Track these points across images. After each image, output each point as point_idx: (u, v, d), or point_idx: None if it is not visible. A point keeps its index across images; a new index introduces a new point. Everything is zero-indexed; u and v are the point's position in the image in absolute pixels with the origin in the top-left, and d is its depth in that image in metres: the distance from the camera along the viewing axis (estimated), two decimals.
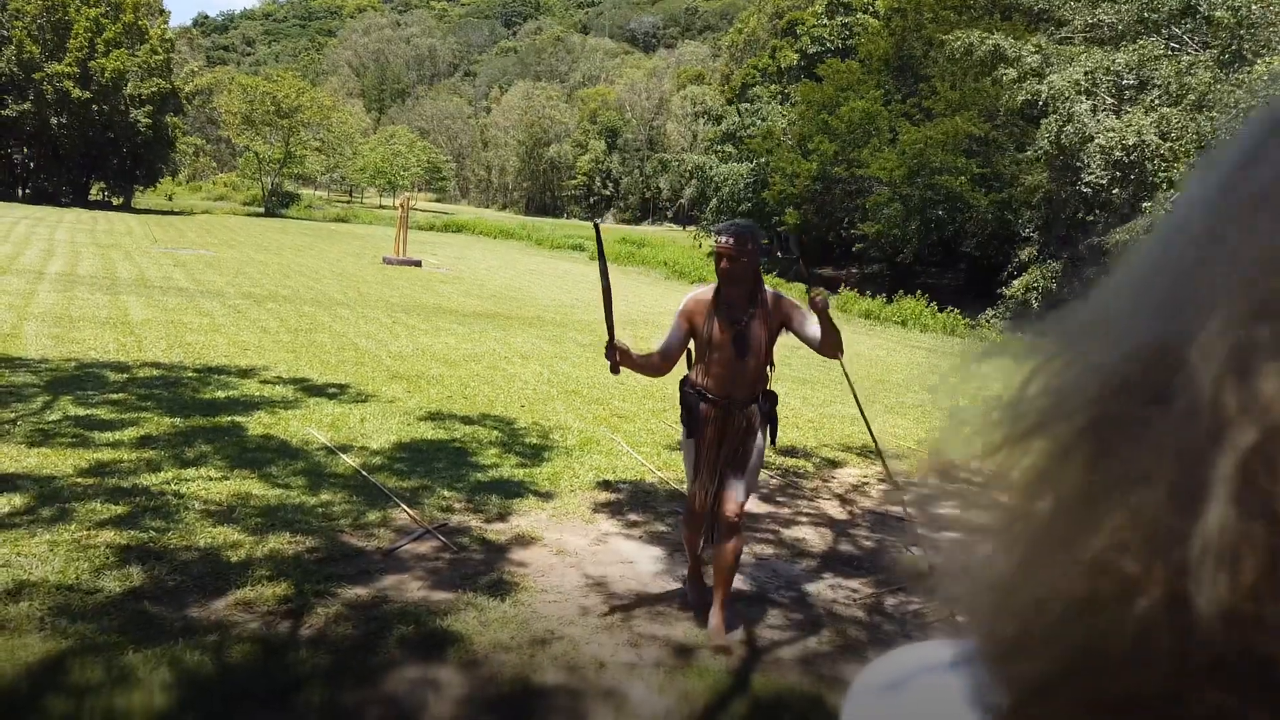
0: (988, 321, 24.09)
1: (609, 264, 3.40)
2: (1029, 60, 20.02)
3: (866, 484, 6.71)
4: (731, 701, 3.29)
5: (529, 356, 11.21)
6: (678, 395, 3.82)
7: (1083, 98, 19.83)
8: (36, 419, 6.14)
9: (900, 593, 4.44)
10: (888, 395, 11.21)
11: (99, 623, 3.40)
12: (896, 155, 28.12)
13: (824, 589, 4.50)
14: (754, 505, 5.84)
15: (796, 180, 32.94)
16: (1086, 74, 19.35)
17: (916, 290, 26.07)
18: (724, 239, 3.57)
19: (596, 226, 3.81)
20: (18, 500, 4.56)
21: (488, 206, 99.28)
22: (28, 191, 46.70)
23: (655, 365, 3.61)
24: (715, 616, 3.76)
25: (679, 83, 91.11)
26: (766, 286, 3.70)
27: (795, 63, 44.42)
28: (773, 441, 3.86)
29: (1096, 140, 19.22)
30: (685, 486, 3.90)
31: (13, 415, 6.16)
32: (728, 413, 3.67)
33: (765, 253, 41.69)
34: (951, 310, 24.34)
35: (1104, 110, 20.12)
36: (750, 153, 39.07)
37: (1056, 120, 19.85)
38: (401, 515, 4.94)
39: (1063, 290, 23.27)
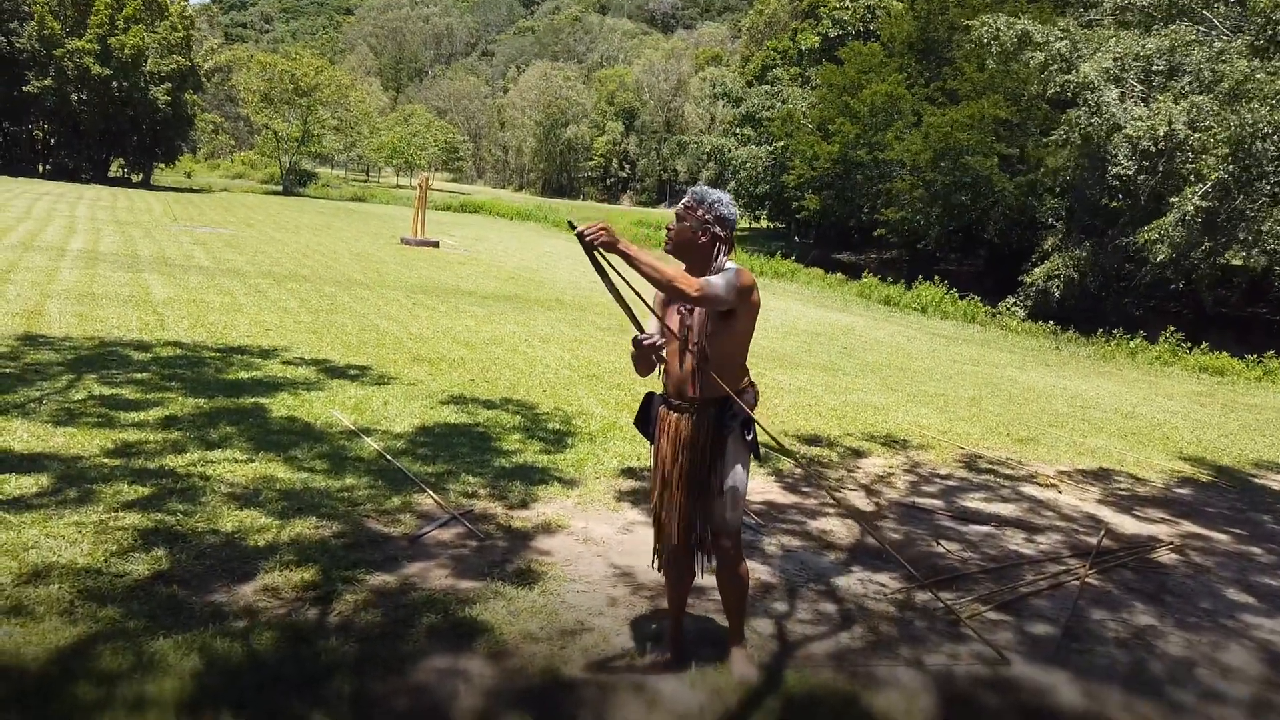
0: (1008, 309, 23.89)
1: (610, 264, 2.91)
2: (1057, 45, 19.69)
3: (892, 474, 6.63)
4: (764, 698, 3.24)
5: (549, 340, 11.16)
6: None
7: (1111, 85, 19.51)
8: (62, 397, 6.14)
9: (934, 589, 4.37)
10: (909, 383, 11.10)
11: (127, 607, 3.38)
12: (921, 138, 27.82)
13: (853, 583, 4.44)
14: (779, 495, 5.79)
15: (817, 164, 32.68)
16: (1115, 60, 19.03)
17: (935, 276, 25.87)
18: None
19: (572, 226, 3.07)
20: (44, 480, 4.55)
21: (504, 187, 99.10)
22: (48, 167, 46.94)
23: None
24: (736, 657, 3.36)
25: (697, 64, 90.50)
26: (730, 264, 3.16)
27: (816, 45, 44.00)
28: (756, 455, 3.33)
29: (1124, 130, 18.92)
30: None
31: (38, 394, 6.16)
32: (686, 418, 3.23)
33: (782, 237, 41.43)
34: (971, 297, 24.15)
35: (1132, 98, 19.80)
36: (769, 136, 38.78)
37: (1085, 112, 19.54)
38: (425, 500, 4.91)
39: (1085, 280, 23.02)
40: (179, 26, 47.42)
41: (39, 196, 28.18)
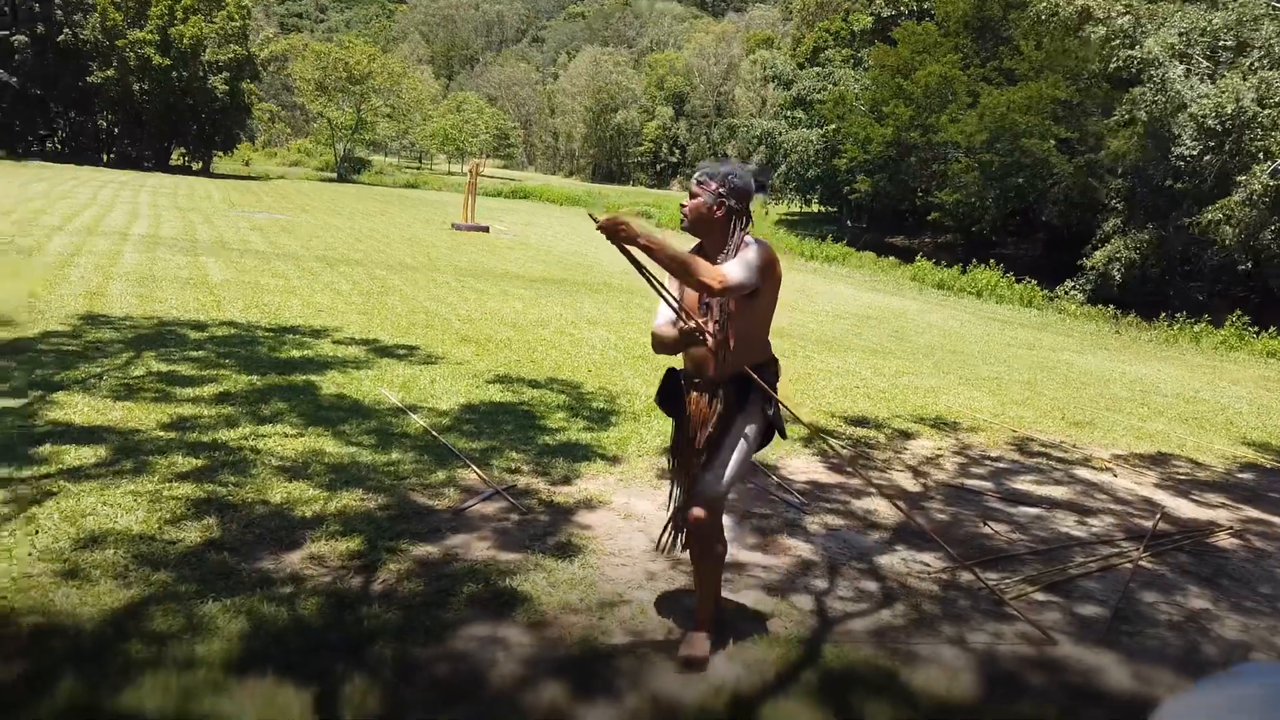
0: (1066, 293, 23.35)
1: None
2: (1119, 21, 19.11)
3: (940, 456, 6.53)
4: (802, 671, 3.22)
5: (596, 322, 11.19)
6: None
7: (1176, 62, 18.90)
8: (121, 374, 6.32)
9: (977, 568, 4.30)
10: (963, 367, 10.92)
11: (179, 572, 3.48)
12: (976, 120, 27.23)
13: (896, 562, 4.39)
14: (823, 475, 5.74)
15: (869, 146, 32.19)
16: (1181, 35, 18.41)
17: (991, 260, 25.36)
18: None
19: (595, 219, 2.98)
20: (103, 452, 4.69)
21: (554, 173, 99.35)
22: (112, 156, 48.19)
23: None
24: (690, 637, 3.24)
25: (748, 47, 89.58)
26: (751, 239, 3.07)
27: (869, 26, 43.29)
28: (781, 434, 3.26)
29: (1189, 108, 18.32)
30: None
31: (99, 370, 6.35)
32: (706, 396, 3.16)
33: (833, 220, 40.96)
34: (1029, 281, 23.64)
35: (1198, 75, 19.16)
36: (820, 118, 38.28)
37: (1149, 90, 18.94)
38: (468, 476, 4.96)
39: (1147, 263, 22.41)
40: (236, 16, 48.27)
41: (104, 184, 28.99)
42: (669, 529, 3.45)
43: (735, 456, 3.10)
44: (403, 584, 3.59)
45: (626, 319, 11.76)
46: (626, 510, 4.71)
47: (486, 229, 25.38)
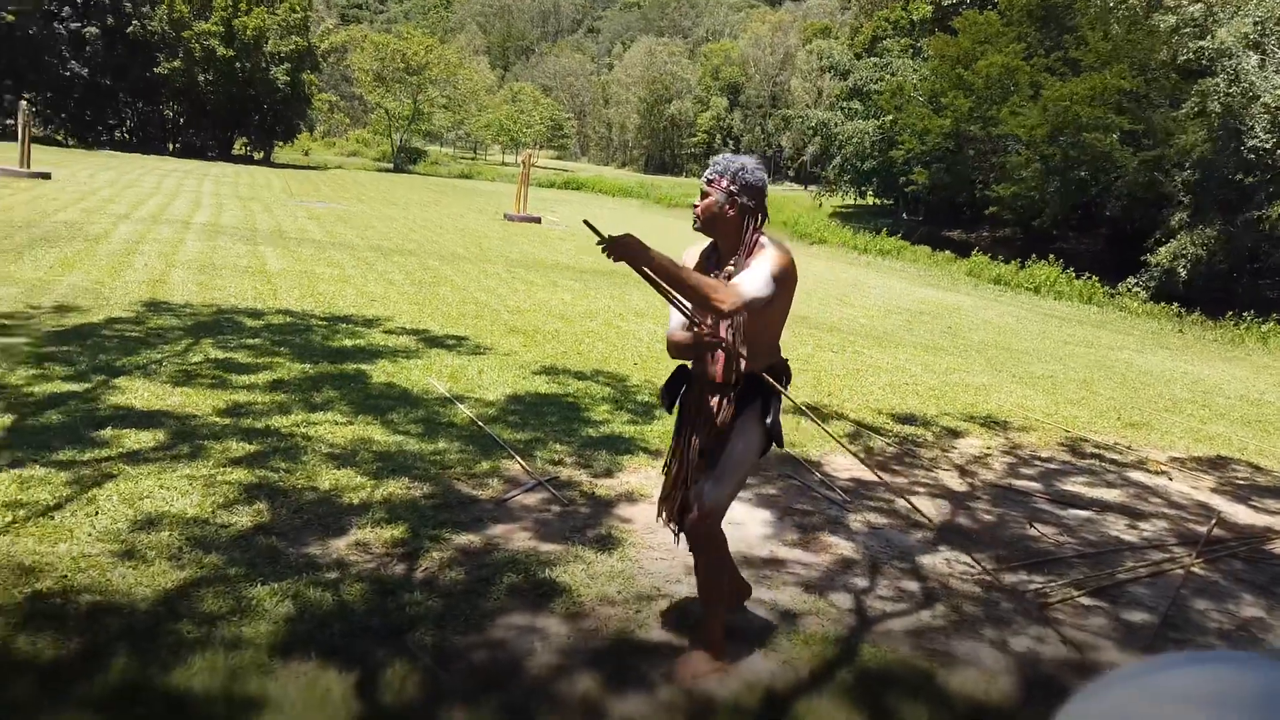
0: (1128, 290, 22.76)
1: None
2: (1190, 9, 18.51)
3: (989, 455, 6.44)
4: (838, 670, 3.21)
5: (643, 314, 11.21)
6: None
7: (1250, 52, 18.27)
8: (180, 360, 6.51)
9: (1022, 570, 4.24)
10: (1016, 365, 10.73)
11: (229, 555, 3.58)
12: (1038, 112, 26.60)
13: (939, 562, 4.34)
14: (868, 473, 5.70)
15: (927, 138, 31.67)
16: (1256, 24, 17.78)
17: (1050, 255, 24.79)
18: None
19: (591, 226, 2.99)
20: (161, 436, 4.84)
21: (607, 164, 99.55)
22: (177, 145, 49.47)
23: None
24: (688, 657, 3.12)
25: (805, 37, 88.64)
26: (766, 240, 2.97)
27: (929, 15, 42.53)
28: (778, 443, 3.12)
29: (1263, 99, 17.69)
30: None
31: (159, 356, 6.54)
32: (714, 399, 3.07)
33: (889, 213, 40.40)
34: (1090, 277, 23.07)
35: (1273, 64, 18.50)
36: (877, 109, 37.75)
37: (1222, 80, 18.33)
38: (511, 466, 5.02)
39: (1214, 260, 21.74)
40: (298, 8, 49.17)
41: (168, 173, 29.77)
42: (661, 515, 3.31)
43: (739, 465, 3.01)
44: (444, 572, 3.65)
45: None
46: None
47: (538, 220, 25.54)
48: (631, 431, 5.96)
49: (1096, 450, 6.97)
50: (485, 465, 4.98)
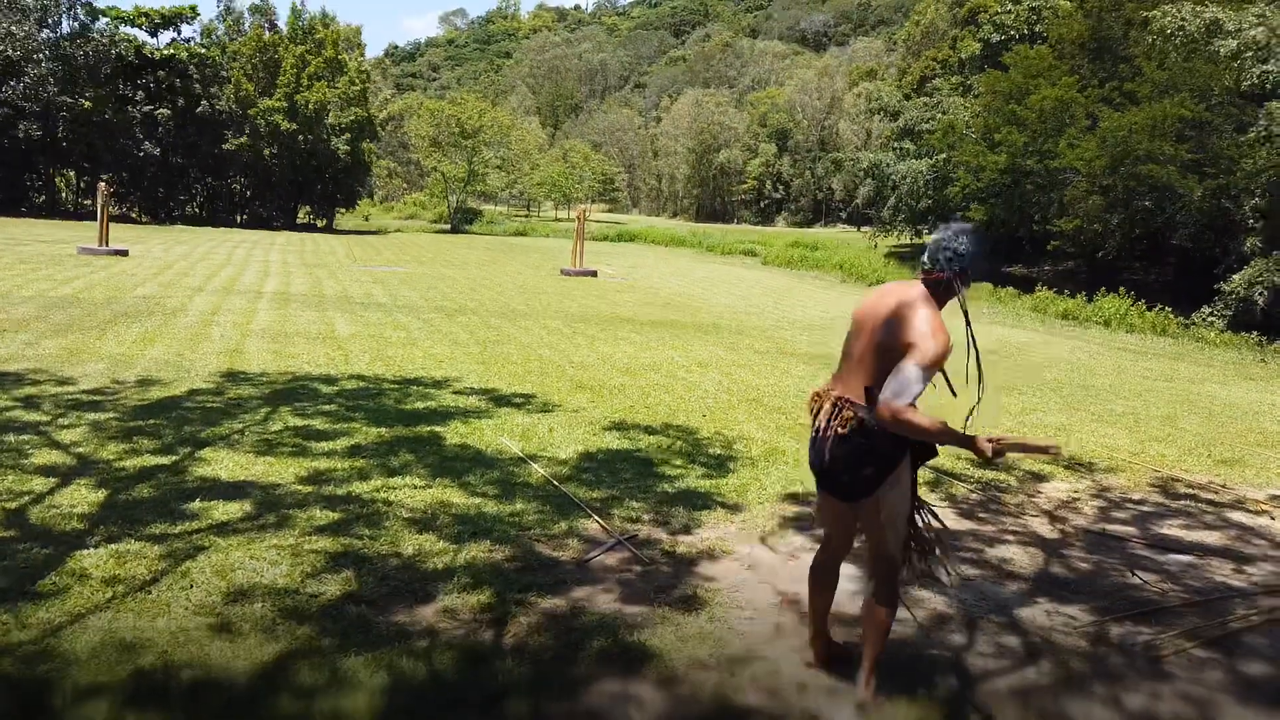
0: (1204, 320, 22.08)
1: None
2: (1251, 33, 18.17)
3: (1078, 500, 6.22)
4: None
5: (707, 365, 11.18)
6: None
7: None
8: (261, 429, 6.65)
9: (1127, 621, 4.06)
10: (1094, 402, 10.42)
11: (321, 625, 3.60)
12: (1096, 144, 26.21)
13: (1038, 614, 4.18)
14: (952, 522, 5.56)
15: (982, 174, 31.39)
16: None
17: (1119, 288, 24.20)
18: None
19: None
20: (247, 506, 4.92)
21: (658, 215, 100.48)
22: (245, 217, 51.33)
23: None
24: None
25: (851, 80, 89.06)
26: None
27: (977, 52, 42.44)
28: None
29: None
30: (905, 529, 3.33)
31: (240, 426, 6.70)
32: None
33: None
34: (1161, 308, 22.43)
35: None
36: (929, 148, 37.60)
37: None
38: (589, 525, 4.99)
39: None
40: (356, 81, 51.01)
41: (238, 244, 30.83)
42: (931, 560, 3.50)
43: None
44: (533, 638, 3.62)
45: (738, 360, 11.72)
46: (750, 560, 4.65)
47: (594, 273, 25.81)
48: (707, 485, 5.90)
49: (1190, 490, 6.70)
50: (563, 525, 4.96)
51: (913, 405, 2.89)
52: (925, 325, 2.94)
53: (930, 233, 42.99)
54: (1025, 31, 40.70)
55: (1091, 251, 28.08)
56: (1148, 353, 17.30)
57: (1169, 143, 24.37)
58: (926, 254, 3.16)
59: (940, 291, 3.11)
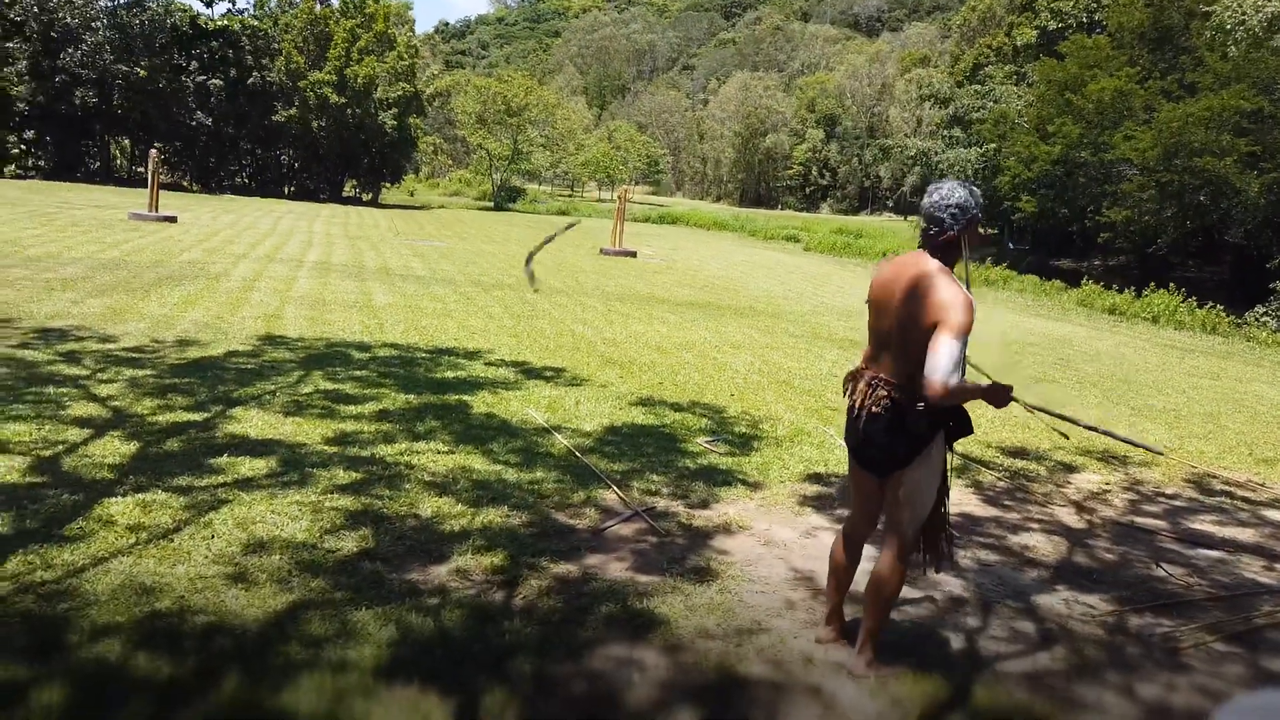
0: (1257, 319, 21.50)
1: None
2: None
3: (1108, 492, 6.11)
4: (949, 713, 3.06)
5: (740, 346, 11.13)
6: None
7: None
8: (292, 391, 6.75)
9: (1148, 612, 3.99)
10: (1135, 397, 10.22)
11: (335, 579, 3.66)
12: (1152, 135, 25.54)
13: (1056, 602, 4.12)
14: (977, 507, 5.49)
15: (1034, 165, 30.76)
16: None
17: (1170, 284, 23.64)
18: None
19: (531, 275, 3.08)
20: (273, 463, 5.01)
21: (702, 198, 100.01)
22: (292, 189, 51.96)
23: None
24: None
25: (903, 67, 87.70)
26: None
27: (1033, 40, 41.54)
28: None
29: None
30: (926, 511, 3.24)
31: (273, 387, 6.80)
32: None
33: (994, 242, 39.31)
34: (1213, 306, 21.86)
35: None
36: (979, 137, 36.94)
37: None
38: (607, 496, 5.01)
39: None
40: (405, 56, 51.27)
41: (283, 215, 31.24)
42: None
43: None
44: (542, 600, 3.65)
45: (772, 343, 11.65)
46: (767, 537, 4.63)
47: (634, 254, 25.77)
48: (729, 463, 5.89)
49: (1226, 487, 6.55)
50: (582, 495, 4.98)
51: (960, 376, 2.88)
52: (948, 295, 2.92)
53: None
54: (1083, 20, 39.75)
55: (1143, 246, 27.44)
56: (1195, 350, 16.90)
57: (1227, 135, 23.67)
58: (926, 218, 3.14)
59: (953, 251, 3.09)
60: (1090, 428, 3.93)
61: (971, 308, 2.91)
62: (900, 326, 3.05)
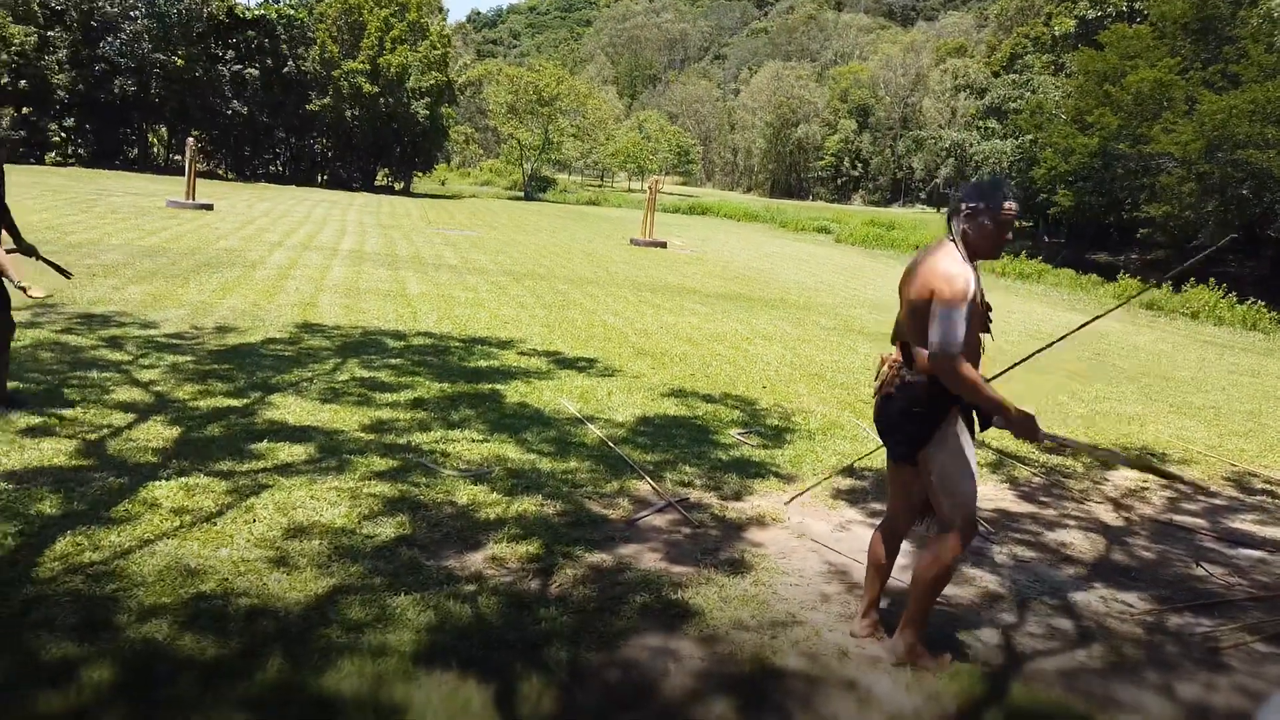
0: None
1: None
2: None
3: (1146, 489, 6.04)
4: (985, 709, 3.05)
5: (771, 338, 11.10)
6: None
7: None
8: (329, 379, 6.83)
9: (1187, 612, 3.94)
10: (1173, 394, 10.07)
11: (373, 565, 3.70)
12: (1193, 127, 25.05)
13: (1093, 600, 4.08)
14: (1012, 504, 5.45)
15: (1071, 157, 30.29)
16: None
17: (1210, 279, 23.21)
18: (1015, 206, 3.15)
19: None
20: (312, 450, 5.07)
21: (733, 189, 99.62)
22: (326, 177, 52.35)
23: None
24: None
25: (938, 56, 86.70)
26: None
27: (1072, 29, 40.88)
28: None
29: None
30: (967, 498, 3.17)
31: (310, 375, 6.89)
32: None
33: (1028, 235, 38.81)
34: (1255, 302, 21.45)
35: None
36: (1015, 129, 36.45)
37: None
38: (640, 486, 5.02)
39: None
40: (438, 45, 51.41)
41: (317, 203, 31.52)
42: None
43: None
44: (577, 589, 3.67)
45: (803, 335, 11.60)
46: (800, 529, 4.63)
47: (664, 244, 25.74)
48: (761, 455, 5.88)
49: (1268, 486, 6.45)
50: (615, 485, 5.00)
51: (962, 354, 2.93)
52: (941, 267, 3.01)
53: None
54: (1124, 9, 39.06)
55: (1183, 241, 26.97)
56: (1235, 347, 16.61)
57: (1272, 127, 23.17)
58: (950, 210, 3.24)
59: (969, 238, 3.12)
60: (1127, 463, 3.91)
61: (966, 281, 2.94)
62: (908, 306, 3.14)
